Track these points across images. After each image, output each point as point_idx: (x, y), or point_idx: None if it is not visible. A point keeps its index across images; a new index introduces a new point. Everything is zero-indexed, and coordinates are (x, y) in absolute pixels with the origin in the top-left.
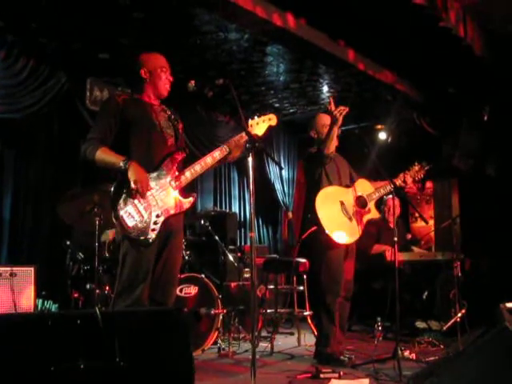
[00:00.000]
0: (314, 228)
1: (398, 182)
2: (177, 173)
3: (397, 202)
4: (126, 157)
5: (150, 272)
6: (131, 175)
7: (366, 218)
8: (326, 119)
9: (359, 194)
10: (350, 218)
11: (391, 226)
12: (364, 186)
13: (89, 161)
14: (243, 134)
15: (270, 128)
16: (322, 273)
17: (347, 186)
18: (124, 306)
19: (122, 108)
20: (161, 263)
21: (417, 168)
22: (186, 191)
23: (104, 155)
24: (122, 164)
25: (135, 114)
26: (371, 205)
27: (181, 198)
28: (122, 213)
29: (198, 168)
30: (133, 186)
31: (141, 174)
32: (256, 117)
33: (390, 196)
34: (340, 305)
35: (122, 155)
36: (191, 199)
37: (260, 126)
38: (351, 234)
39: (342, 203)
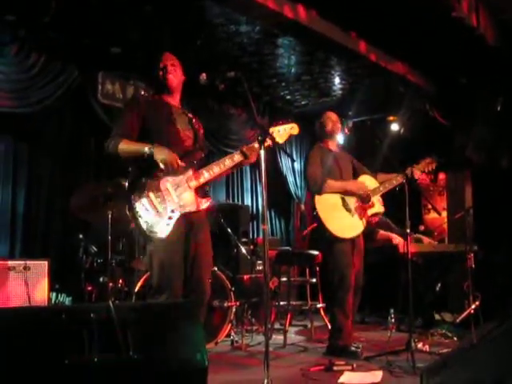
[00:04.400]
0: (314, 225)
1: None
2: (193, 172)
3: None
4: (150, 143)
5: (181, 268)
6: (158, 155)
7: (369, 211)
8: (331, 115)
9: None
10: (351, 213)
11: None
12: (368, 182)
13: (112, 154)
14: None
15: (290, 137)
16: (332, 269)
17: None
18: None
19: (144, 108)
20: (190, 261)
21: (428, 160)
22: (200, 191)
23: (127, 145)
24: (146, 149)
25: (155, 115)
26: (375, 199)
27: (197, 197)
28: (136, 205)
29: (216, 170)
30: (162, 165)
31: (168, 152)
32: (278, 125)
33: None
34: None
35: (144, 143)
36: (208, 199)
37: (281, 134)
38: (352, 228)
39: (342, 199)
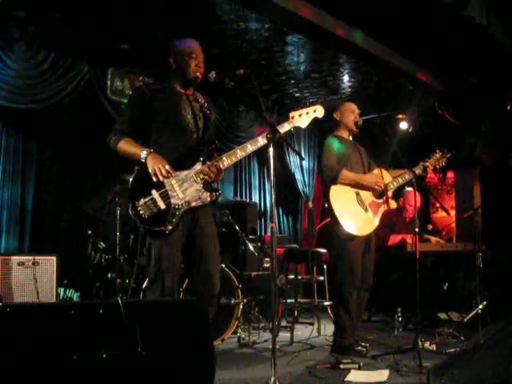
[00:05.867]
0: (328, 219)
1: (418, 171)
2: (201, 165)
3: (418, 195)
4: (146, 148)
5: (177, 263)
6: (149, 163)
7: (382, 208)
8: (352, 106)
9: None
10: (366, 209)
11: (406, 219)
12: (382, 176)
13: (112, 150)
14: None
15: (315, 120)
16: (339, 265)
17: None
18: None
19: (149, 99)
20: (196, 254)
21: (438, 155)
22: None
23: (126, 146)
24: (142, 155)
25: (162, 105)
26: (388, 195)
27: (204, 191)
28: (139, 203)
29: (234, 158)
30: (150, 171)
31: (158, 160)
32: (299, 109)
33: (410, 189)
34: (358, 295)
35: (143, 146)
36: (215, 193)
37: (303, 118)
38: (366, 226)
39: (357, 193)
